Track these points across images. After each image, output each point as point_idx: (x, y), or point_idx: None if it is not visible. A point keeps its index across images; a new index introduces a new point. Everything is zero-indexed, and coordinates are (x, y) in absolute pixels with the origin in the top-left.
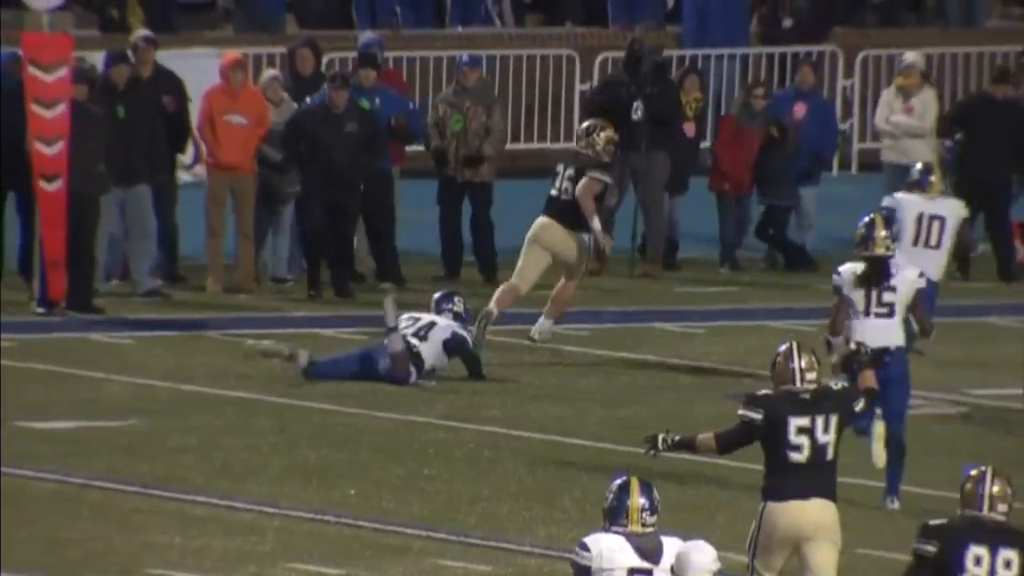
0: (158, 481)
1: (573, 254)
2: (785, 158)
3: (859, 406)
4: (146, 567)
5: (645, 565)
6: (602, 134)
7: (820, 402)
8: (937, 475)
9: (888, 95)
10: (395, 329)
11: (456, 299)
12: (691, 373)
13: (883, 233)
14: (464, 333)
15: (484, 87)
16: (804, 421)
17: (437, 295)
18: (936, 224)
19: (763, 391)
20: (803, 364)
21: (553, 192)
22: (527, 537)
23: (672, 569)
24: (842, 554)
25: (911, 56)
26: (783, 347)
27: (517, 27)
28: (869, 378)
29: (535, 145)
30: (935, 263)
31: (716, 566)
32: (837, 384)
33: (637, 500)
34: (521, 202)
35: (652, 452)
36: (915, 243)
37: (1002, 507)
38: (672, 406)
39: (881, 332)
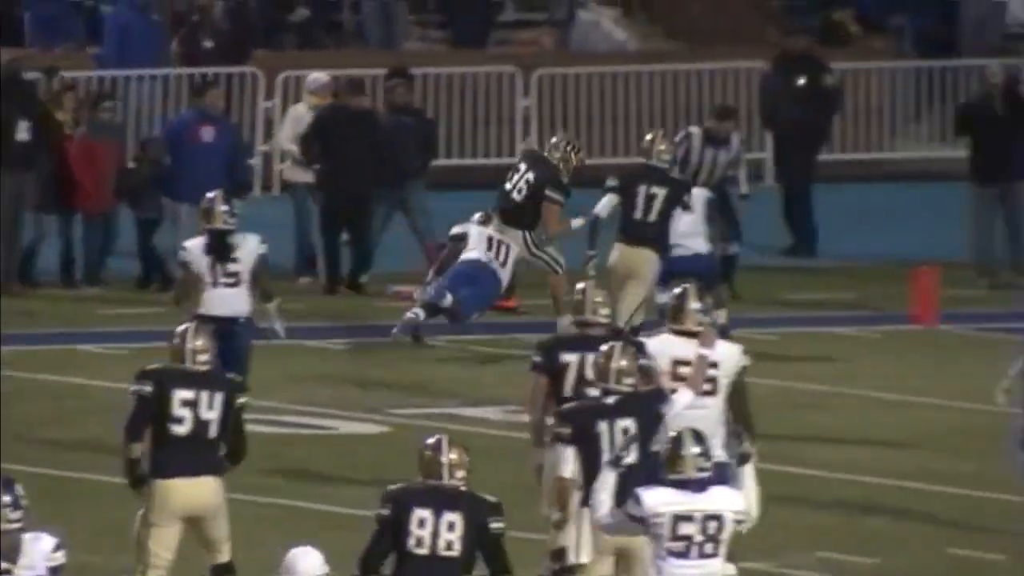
0: None
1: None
2: (148, 172)
3: None
4: None
5: (3, 566)
6: (580, 154)
7: (208, 379)
8: (362, 495)
9: (297, 111)
10: None
11: None
12: (118, 395)
13: (222, 208)
14: None
15: None
16: (189, 394)
17: None
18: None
19: (155, 365)
20: (198, 345)
21: (508, 186)
22: None
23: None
24: None
25: (324, 77)
26: (180, 329)
27: None
28: None
29: None
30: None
31: (324, 570)
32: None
33: None
34: None
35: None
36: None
37: (460, 474)
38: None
39: (228, 301)
